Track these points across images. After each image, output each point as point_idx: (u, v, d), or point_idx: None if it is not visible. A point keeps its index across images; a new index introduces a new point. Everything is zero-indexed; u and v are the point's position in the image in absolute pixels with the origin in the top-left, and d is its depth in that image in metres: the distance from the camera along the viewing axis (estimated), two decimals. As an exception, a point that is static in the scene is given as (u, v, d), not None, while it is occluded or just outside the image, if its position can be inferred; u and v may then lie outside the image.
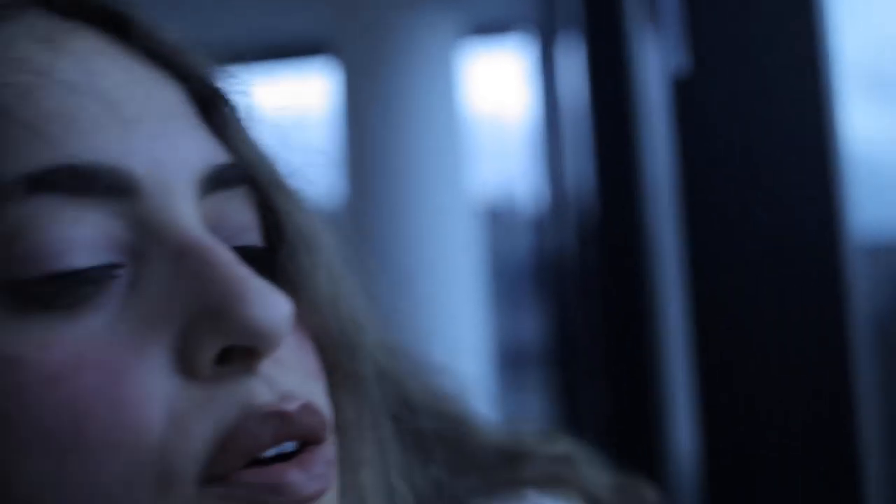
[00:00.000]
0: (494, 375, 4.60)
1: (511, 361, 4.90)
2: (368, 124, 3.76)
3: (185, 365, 0.41)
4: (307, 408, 0.43)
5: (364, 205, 3.83)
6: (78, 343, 0.40)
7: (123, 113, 0.44)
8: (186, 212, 0.44)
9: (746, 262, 1.05)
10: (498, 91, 4.35)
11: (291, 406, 0.42)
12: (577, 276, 3.29)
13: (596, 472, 0.60)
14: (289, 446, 0.42)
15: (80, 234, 0.41)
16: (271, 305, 0.41)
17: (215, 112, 0.49)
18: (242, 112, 0.50)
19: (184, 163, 0.45)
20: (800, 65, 1.05)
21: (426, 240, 3.70)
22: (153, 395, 0.40)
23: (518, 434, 0.62)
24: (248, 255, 0.45)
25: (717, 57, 1.08)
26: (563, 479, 0.58)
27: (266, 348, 0.42)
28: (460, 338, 4.26)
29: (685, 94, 1.14)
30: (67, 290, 0.41)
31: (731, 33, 1.06)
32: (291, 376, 0.44)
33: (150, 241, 0.43)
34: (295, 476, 0.41)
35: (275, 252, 0.48)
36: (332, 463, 0.44)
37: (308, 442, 0.43)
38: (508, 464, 0.58)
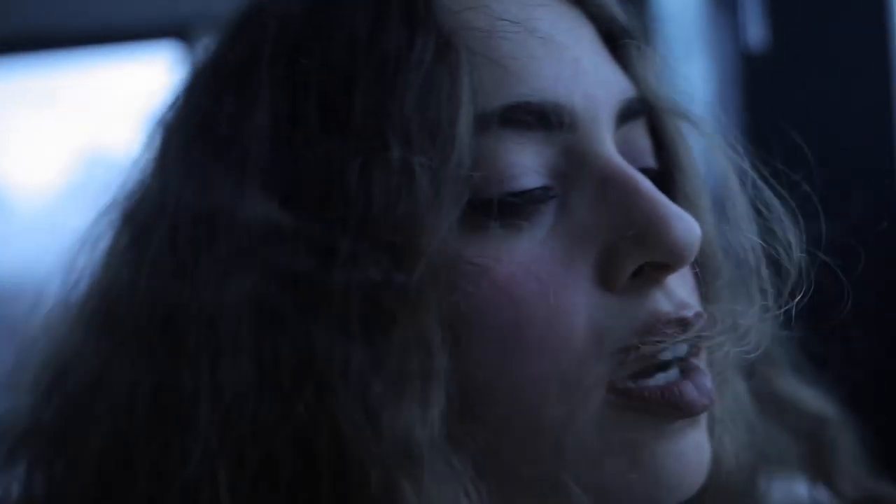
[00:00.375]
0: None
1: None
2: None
3: (605, 278, 0.46)
4: (699, 315, 0.47)
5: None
6: (522, 255, 0.45)
7: (564, 54, 0.48)
8: (610, 142, 0.48)
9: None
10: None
11: (689, 313, 0.47)
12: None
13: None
14: (682, 350, 0.47)
15: (529, 161, 0.46)
16: (689, 228, 0.46)
17: (621, 47, 0.52)
18: (640, 45, 0.53)
19: (608, 97, 0.49)
20: (873, 45, 1.06)
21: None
22: (579, 306, 0.45)
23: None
24: (646, 175, 0.49)
25: (792, 32, 1.09)
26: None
27: (679, 264, 0.46)
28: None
29: (760, 69, 1.15)
30: (517, 208, 0.46)
31: (808, 9, 1.07)
32: (683, 288, 0.48)
33: (579, 168, 0.47)
34: (691, 394, 0.46)
35: (666, 174, 0.52)
36: (710, 377, 0.48)
37: (697, 350, 0.48)
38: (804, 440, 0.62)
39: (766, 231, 0.51)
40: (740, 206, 0.51)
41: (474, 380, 0.44)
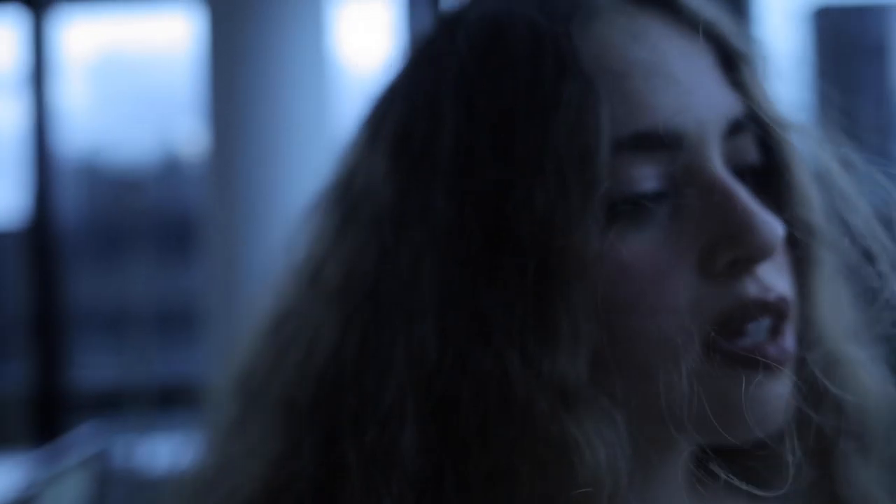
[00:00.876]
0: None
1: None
2: (234, 69, 3.70)
3: (706, 267, 0.60)
4: (780, 297, 0.61)
5: (228, 150, 3.78)
6: (642, 245, 0.59)
7: (678, 85, 0.61)
8: (715, 157, 0.61)
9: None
10: (367, 38, 4.34)
11: (770, 296, 0.60)
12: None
13: None
14: (766, 322, 0.60)
15: (649, 172, 0.60)
16: (773, 231, 0.59)
17: (735, 69, 0.64)
18: (753, 65, 0.65)
19: (716, 119, 0.62)
20: None
21: (291, 187, 3.67)
22: (682, 287, 0.59)
23: None
24: (750, 171, 0.63)
25: None
26: None
27: (763, 259, 0.60)
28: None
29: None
30: (640, 208, 0.59)
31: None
32: (770, 273, 0.61)
33: (689, 179, 0.60)
34: (771, 350, 0.60)
35: (769, 171, 0.64)
36: (793, 336, 0.61)
37: (780, 322, 0.61)
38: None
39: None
40: (850, 202, 0.65)
41: (608, 337, 0.58)
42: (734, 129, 0.63)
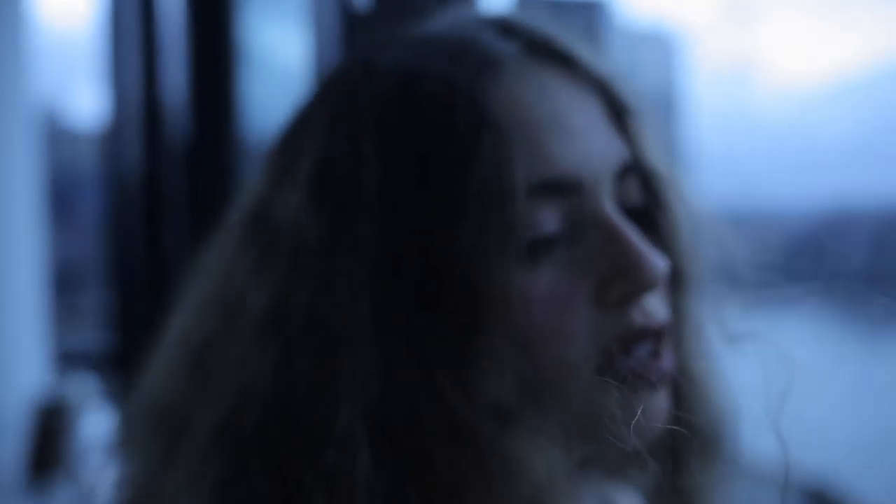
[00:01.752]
0: (47, 297, 4.39)
1: (65, 283, 4.69)
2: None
3: (601, 299, 0.66)
4: (660, 324, 0.68)
5: None
6: (543, 282, 0.65)
7: (577, 135, 0.68)
8: (607, 200, 0.68)
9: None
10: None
11: (652, 323, 0.68)
12: (151, 194, 3.21)
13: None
14: (648, 346, 0.68)
15: (550, 215, 0.66)
16: (656, 266, 0.66)
17: (622, 118, 0.71)
18: (638, 115, 0.72)
19: (608, 165, 0.69)
20: None
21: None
22: (580, 320, 0.66)
23: None
24: (635, 212, 0.70)
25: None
26: None
27: (648, 291, 0.67)
28: (13, 256, 4.03)
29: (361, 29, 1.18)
30: (541, 247, 0.65)
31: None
32: (652, 302, 0.69)
33: (585, 220, 0.67)
34: (652, 369, 0.67)
35: (651, 212, 0.71)
36: (670, 356, 0.69)
37: (660, 344, 0.68)
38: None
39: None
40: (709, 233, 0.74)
41: (528, 362, 0.64)
42: (622, 173, 0.70)
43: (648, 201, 0.72)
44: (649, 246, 0.68)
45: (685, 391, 0.72)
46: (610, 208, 0.68)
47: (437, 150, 0.65)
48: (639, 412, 0.66)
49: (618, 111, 0.72)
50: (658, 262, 0.67)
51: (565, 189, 0.67)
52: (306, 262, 0.65)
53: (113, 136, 3.58)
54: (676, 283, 0.73)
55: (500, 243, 0.64)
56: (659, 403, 0.68)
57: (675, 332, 0.72)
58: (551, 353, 0.65)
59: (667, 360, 0.69)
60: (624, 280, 0.66)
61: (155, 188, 3.19)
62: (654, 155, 0.73)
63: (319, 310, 0.64)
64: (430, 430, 0.62)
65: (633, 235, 0.67)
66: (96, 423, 3.63)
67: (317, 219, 0.65)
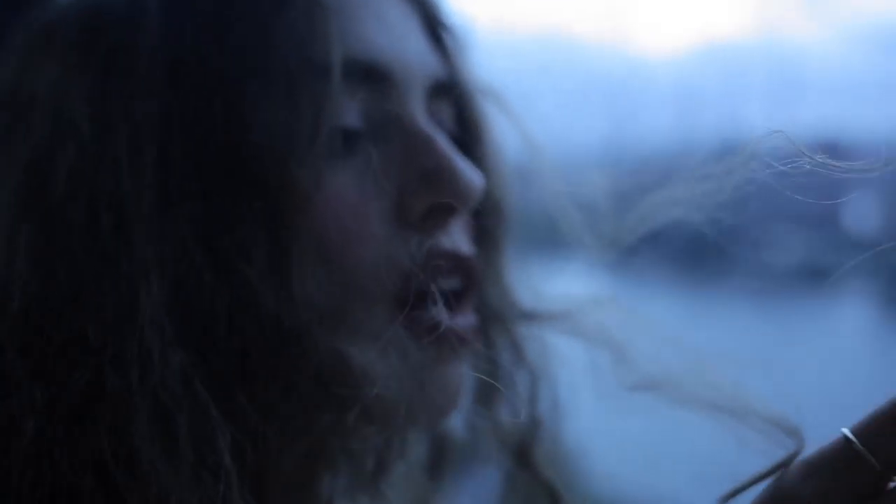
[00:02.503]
0: None
1: None
2: None
3: (402, 214, 0.58)
4: (473, 257, 0.60)
5: None
6: (335, 184, 0.57)
7: (389, 27, 0.60)
8: (418, 108, 0.61)
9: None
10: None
11: (465, 252, 0.60)
12: None
13: None
14: (455, 284, 0.59)
15: (351, 106, 0.58)
16: (472, 179, 0.59)
17: (440, 37, 0.65)
18: (456, 37, 0.66)
19: (421, 72, 0.62)
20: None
21: None
22: (375, 233, 0.57)
23: None
24: (446, 139, 0.61)
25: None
26: None
27: (463, 205, 0.59)
28: None
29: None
30: (342, 142, 0.57)
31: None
32: (463, 238, 0.61)
33: (390, 121, 0.59)
34: (458, 326, 0.58)
35: (467, 143, 0.65)
36: (475, 314, 0.60)
37: (468, 284, 0.60)
38: None
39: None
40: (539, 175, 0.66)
41: (329, 269, 0.56)
42: (435, 91, 0.63)
43: (461, 133, 0.65)
44: (463, 160, 0.60)
45: (492, 363, 0.65)
46: (420, 114, 0.61)
47: (236, 7, 0.56)
48: (435, 377, 0.58)
49: (435, 29, 0.65)
50: (474, 174, 0.59)
51: (375, 77, 0.59)
52: (68, 134, 0.56)
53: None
54: (484, 236, 0.65)
55: (303, 128, 0.55)
56: (460, 370, 0.60)
57: (483, 291, 0.64)
58: (347, 264, 0.56)
59: (471, 316, 0.61)
60: (433, 189, 0.58)
61: None
62: (470, 80, 0.66)
63: (91, 184, 0.55)
64: (243, 326, 0.54)
65: (446, 143, 0.60)
66: None
67: (79, 86, 0.56)
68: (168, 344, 0.53)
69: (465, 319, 0.60)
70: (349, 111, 0.58)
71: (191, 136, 0.55)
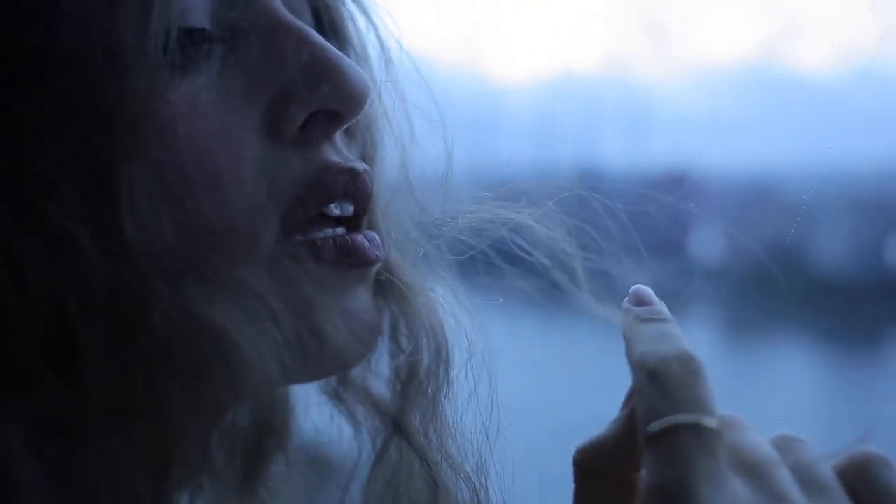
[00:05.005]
0: None
1: None
2: None
3: (275, 128, 0.47)
4: (368, 173, 0.50)
5: None
6: (186, 95, 0.45)
7: None
8: (279, 2, 0.49)
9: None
10: None
11: (359, 167, 0.50)
12: None
13: None
14: (349, 209, 0.50)
15: (199, 4, 0.47)
16: (360, 75, 0.48)
17: None
18: None
19: None
20: None
21: None
22: (246, 153, 0.46)
23: None
24: None
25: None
26: None
27: (352, 112, 0.48)
28: None
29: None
30: (184, 49, 0.46)
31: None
32: (355, 152, 0.52)
33: (247, 18, 0.48)
34: (362, 243, 0.49)
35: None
36: (379, 243, 0.51)
37: (363, 207, 0.50)
38: None
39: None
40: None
41: (185, 208, 0.44)
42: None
43: (324, 36, 0.53)
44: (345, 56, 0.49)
45: (395, 306, 0.55)
46: (280, 5, 0.50)
47: None
48: (341, 306, 0.48)
49: None
50: (362, 74, 0.49)
51: None
52: None
53: None
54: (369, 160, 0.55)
55: (127, 26, 0.43)
56: (368, 304, 0.51)
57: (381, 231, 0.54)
58: (206, 200, 0.45)
59: (373, 235, 0.51)
60: (312, 94, 0.48)
61: None
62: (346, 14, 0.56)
63: None
64: (58, 286, 0.42)
65: (320, 37, 0.49)
66: None
67: None
68: None
69: (367, 236, 0.50)
70: (192, 6, 0.46)
71: None
